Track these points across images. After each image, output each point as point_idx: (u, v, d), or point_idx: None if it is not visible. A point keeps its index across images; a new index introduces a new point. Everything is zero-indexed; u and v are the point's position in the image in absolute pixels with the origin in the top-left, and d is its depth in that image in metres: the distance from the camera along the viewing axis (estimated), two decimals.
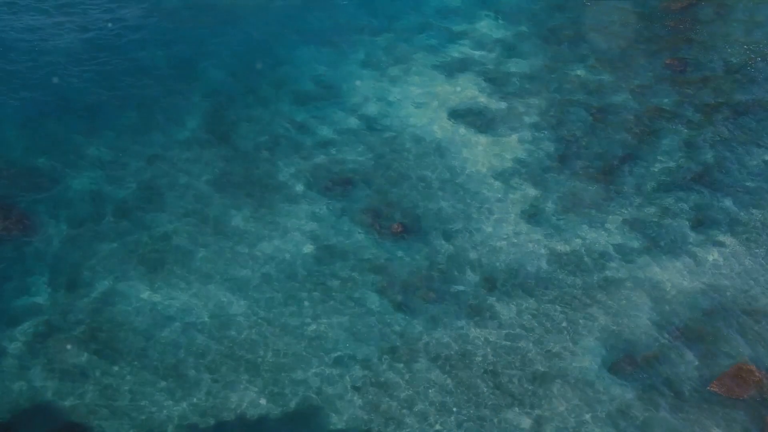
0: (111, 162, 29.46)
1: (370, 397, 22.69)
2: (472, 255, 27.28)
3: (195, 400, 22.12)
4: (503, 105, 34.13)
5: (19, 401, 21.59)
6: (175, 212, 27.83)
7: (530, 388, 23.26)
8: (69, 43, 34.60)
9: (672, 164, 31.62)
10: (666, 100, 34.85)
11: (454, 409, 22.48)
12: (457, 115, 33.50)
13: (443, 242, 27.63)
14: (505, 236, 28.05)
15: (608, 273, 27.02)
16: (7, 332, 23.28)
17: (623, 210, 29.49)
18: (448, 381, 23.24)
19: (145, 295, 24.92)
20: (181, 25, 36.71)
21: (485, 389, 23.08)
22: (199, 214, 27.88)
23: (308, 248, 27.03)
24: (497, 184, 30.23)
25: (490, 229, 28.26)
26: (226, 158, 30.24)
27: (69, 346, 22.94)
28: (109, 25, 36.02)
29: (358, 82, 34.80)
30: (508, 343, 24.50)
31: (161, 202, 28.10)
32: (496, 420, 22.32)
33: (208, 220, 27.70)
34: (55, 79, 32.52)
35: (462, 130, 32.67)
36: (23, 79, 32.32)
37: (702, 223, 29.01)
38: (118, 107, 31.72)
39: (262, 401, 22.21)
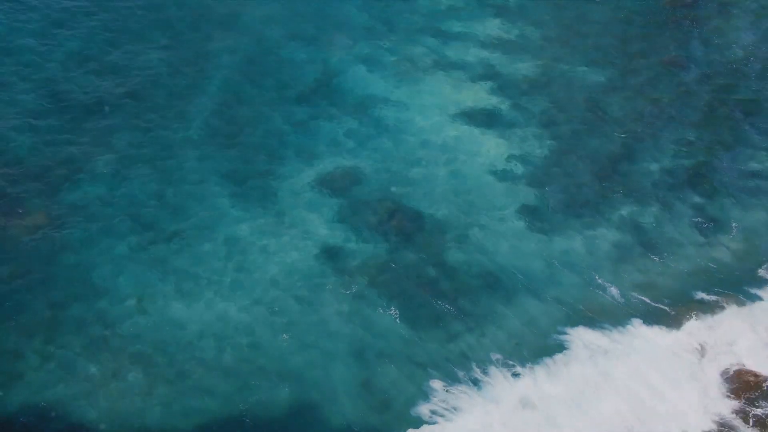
0: (116, 162, 29.91)
1: None
2: (472, 254, 27.60)
3: None
4: (505, 103, 34.33)
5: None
6: (179, 213, 28.29)
7: None
8: (71, 44, 34.97)
9: (671, 162, 31.79)
10: (666, 98, 34.96)
11: None
12: (458, 113, 33.73)
13: (443, 241, 27.95)
14: (505, 235, 28.34)
15: (607, 271, 27.26)
16: None
17: (621, 208, 29.68)
18: None
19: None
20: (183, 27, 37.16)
21: None
22: (205, 212, 28.43)
23: (310, 246, 27.44)
24: (498, 181, 30.50)
25: (489, 228, 28.55)
26: (231, 156, 30.66)
27: None
28: (113, 25, 36.41)
29: (361, 82, 35.03)
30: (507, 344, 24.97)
31: (166, 200, 28.57)
32: None
33: (213, 217, 28.28)
34: (59, 80, 33.00)
35: (463, 127, 32.93)
36: (28, 78, 32.81)
37: (700, 221, 29.18)
38: (122, 107, 32.20)
39: None
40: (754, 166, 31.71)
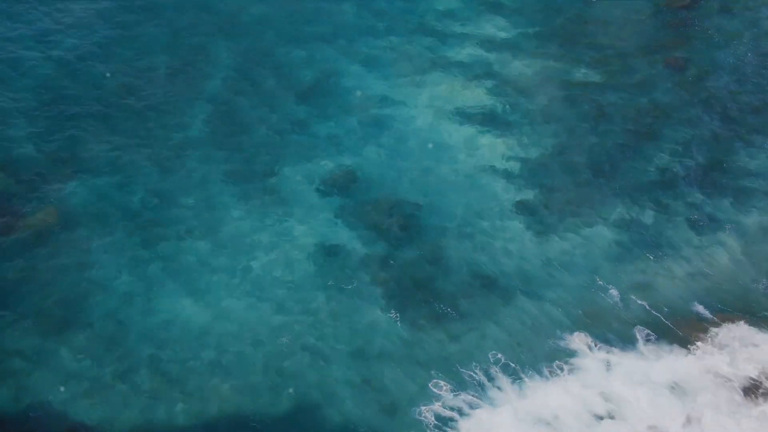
0: (116, 162, 29.81)
1: None
2: (471, 254, 27.70)
3: None
4: (503, 103, 34.37)
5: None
6: (181, 213, 28.22)
7: None
8: (71, 44, 34.82)
9: (670, 163, 31.91)
10: (665, 99, 35.04)
11: None
12: (457, 112, 33.75)
13: (442, 240, 27.99)
14: (503, 235, 28.47)
15: (606, 271, 27.40)
16: None
17: (620, 208, 29.81)
18: None
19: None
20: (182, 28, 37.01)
21: None
22: (206, 211, 28.42)
23: (310, 245, 27.46)
24: (496, 181, 30.61)
25: (488, 228, 28.67)
26: (231, 156, 30.62)
27: None
28: (112, 27, 36.22)
29: (360, 81, 34.99)
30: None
31: (168, 199, 28.55)
32: None
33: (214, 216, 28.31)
34: (59, 81, 32.84)
35: (462, 127, 32.97)
36: (28, 79, 32.63)
37: (699, 222, 29.35)
38: (122, 108, 32.08)
39: None
40: (754, 166, 31.87)
